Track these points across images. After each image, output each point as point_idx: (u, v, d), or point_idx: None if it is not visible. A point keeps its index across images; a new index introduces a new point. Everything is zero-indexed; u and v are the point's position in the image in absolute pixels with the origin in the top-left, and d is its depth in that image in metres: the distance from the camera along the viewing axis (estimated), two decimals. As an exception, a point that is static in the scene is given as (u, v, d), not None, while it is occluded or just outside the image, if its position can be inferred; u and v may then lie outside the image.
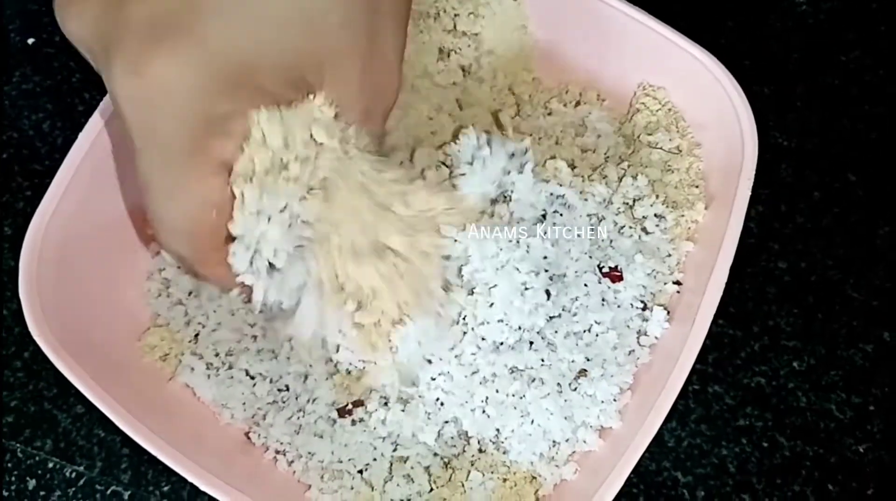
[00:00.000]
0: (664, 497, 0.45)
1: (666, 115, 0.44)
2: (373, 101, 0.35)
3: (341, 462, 0.41)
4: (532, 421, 0.39)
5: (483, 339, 0.38)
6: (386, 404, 0.40)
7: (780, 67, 0.52)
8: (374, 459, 0.41)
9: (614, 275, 0.40)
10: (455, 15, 0.46)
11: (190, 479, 0.37)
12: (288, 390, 0.42)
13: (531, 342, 0.39)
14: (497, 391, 0.39)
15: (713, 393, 0.46)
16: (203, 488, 0.37)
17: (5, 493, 0.44)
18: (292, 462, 0.41)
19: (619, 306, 0.40)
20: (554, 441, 0.40)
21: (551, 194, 0.40)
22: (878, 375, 0.46)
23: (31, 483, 0.45)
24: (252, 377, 0.42)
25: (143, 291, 0.44)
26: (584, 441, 0.40)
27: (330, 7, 0.31)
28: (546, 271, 0.38)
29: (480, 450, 0.41)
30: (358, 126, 0.34)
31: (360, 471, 0.41)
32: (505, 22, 0.46)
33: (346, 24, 0.32)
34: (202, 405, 0.43)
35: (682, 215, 0.42)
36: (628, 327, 0.40)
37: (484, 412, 0.39)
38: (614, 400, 0.40)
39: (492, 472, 0.40)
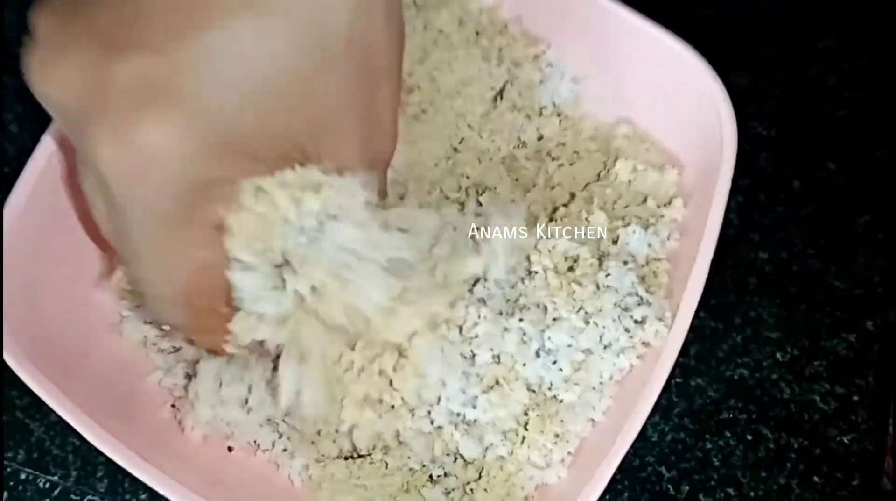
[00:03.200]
0: (648, 493, 0.44)
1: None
2: (373, 160, 0.34)
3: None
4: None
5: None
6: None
7: (757, 55, 0.52)
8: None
9: None
10: None
11: (162, 492, 0.36)
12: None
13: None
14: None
15: (696, 386, 0.46)
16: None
17: (-23, 507, 0.44)
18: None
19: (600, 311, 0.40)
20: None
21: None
22: (862, 365, 0.46)
23: (3, 496, 0.44)
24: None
25: (115, 292, 0.43)
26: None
27: (326, 68, 0.30)
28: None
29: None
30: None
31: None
32: None
33: (343, 85, 0.30)
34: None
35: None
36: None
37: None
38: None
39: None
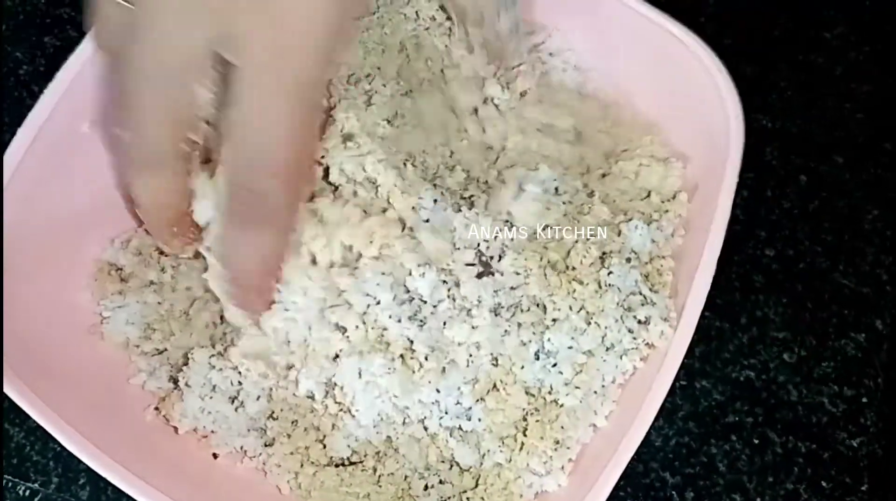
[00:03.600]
0: (652, 500, 0.43)
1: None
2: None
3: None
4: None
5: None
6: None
7: (762, 45, 0.50)
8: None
9: None
10: None
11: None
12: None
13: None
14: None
15: (701, 389, 0.44)
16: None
17: (-46, 516, 0.42)
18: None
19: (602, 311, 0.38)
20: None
21: None
22: (871, 366, 0.45)
23: (-18, 503, 0.42)
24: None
25: (92, 293, 0.41)
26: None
27: None
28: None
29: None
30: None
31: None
32: None
33: None
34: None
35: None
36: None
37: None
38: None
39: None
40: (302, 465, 0.38)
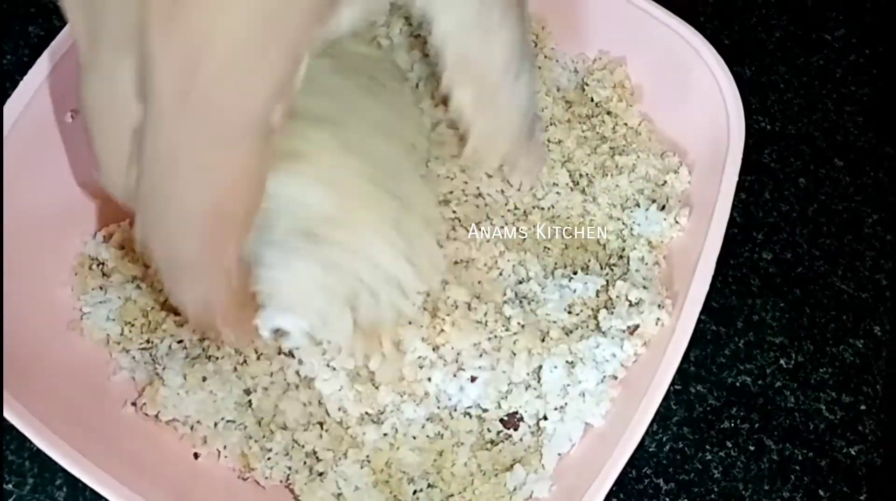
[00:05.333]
0: (645, 507, 0.42)
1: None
2: None
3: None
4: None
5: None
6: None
7: (761, 46, 0.50)
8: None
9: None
10: None
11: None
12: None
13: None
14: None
15: (696, 393, 0.43)
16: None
17: (-75, 518, 0.41)
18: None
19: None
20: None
21: None
22: (870, 372, 0.44)
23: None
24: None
25: (72, 288, 0.40)
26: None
27: None
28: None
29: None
30: None
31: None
32: None
33: None
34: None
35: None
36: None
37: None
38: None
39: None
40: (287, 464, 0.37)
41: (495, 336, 0.38)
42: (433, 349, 0.37)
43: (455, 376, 0.37)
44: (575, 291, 0.39)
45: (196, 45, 0.25)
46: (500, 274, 0.39)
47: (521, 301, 0.39)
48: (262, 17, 0.24)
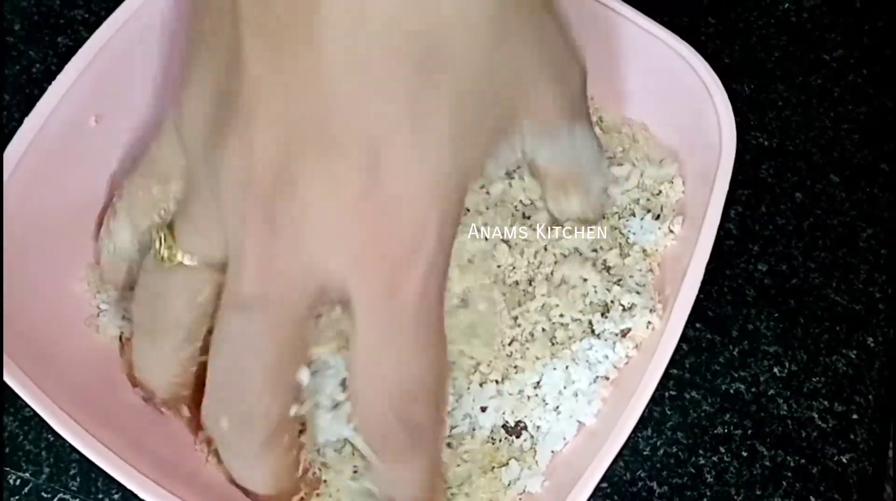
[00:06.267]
0: (639, 508, 0.43)
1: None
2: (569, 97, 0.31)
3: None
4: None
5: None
6: None
7: (760, 65, 0.51)
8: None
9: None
10: None
11: (136, 490, 0.34)
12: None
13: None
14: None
15: (690, 399, 0.44)
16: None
17: (-56, 503, 0.42)
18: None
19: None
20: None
21: None
22: (862, 382, 0.45)
23: (-27, 491, 0.43)
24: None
25: (89, 284, 0.42)
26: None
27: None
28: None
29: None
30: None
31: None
32: None
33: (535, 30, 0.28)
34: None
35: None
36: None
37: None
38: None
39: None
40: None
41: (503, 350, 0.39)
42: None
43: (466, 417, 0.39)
44: (574, 298, 0.40)
45: None
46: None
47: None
48: None
